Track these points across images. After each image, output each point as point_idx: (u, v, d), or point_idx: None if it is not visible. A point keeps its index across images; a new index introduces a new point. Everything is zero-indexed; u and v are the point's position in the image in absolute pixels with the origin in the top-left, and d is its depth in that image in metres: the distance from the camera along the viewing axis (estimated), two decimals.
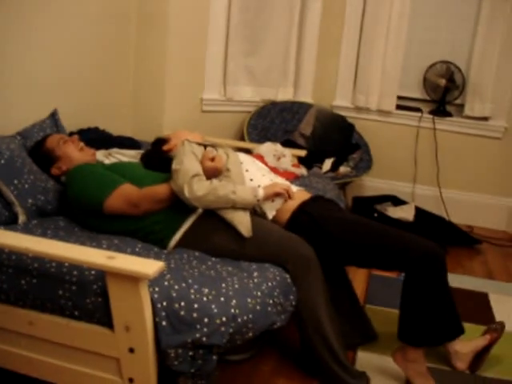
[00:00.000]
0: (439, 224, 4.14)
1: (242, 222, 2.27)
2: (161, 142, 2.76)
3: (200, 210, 2.34)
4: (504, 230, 4.48)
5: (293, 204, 2.50)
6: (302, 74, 4.62)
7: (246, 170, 2.58)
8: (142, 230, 2.32)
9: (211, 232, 2.30)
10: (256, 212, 2.49)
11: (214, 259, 2.22)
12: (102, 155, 2.97)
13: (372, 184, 4.64)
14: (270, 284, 2.10)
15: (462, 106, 4.51)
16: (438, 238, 3.92)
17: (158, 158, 2.68)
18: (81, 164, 2.50)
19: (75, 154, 2.57)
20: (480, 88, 4.37)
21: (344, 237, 2.35)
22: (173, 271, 2.00)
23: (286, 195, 2.48)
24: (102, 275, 1.85)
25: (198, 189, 2.25)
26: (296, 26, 4.47)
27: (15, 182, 2.38)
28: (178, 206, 2.32)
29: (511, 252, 4.11)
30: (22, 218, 2.35)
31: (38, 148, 2.60)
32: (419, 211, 4.19)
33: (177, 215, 2.33)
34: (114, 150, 3.07)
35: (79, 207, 2.38)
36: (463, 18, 4.44)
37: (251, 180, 2.55)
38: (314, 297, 2.22)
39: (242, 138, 4.27)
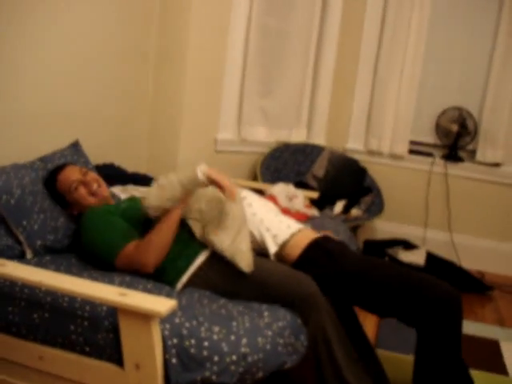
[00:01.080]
0: (450, 269, 4.12)
1: (243, 258, 2.26)
2: None
3: (206, 253, 2.33)
4: None
5: (304, 240, 2.47)
6: (315, 116, 4.66)
7: (250, 205, 2.58)
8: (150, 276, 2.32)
9: (213, 274, 2.29)
10: (259, 249, 2.47)
11: (224, 299, 2.22)
12: (118, 190, 2.99)
13: (383, 227, 4.64)
14: (280, 324, 2.09)
15: (474, 151, 4.53)
16: (449, 284, 3.92)
17: None
18: (94, 209, 2.47)
19: (86, 200, 2.50)
20: (492, 134, 4.40)
21: (360, 272, 2.32)
22: (184, 309, 2.00)
23: (226, 189, 2.27)
24: (114, 311, 1.86)
25: None
26: (311, 68, 4.53)
27: (24, 223, 2.35)
28: (181, 250, 2.33)
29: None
30: (29, 257, 2.35)
31: (50, 184, 2.55)
32: (430, 256, 4.17)
33: (182, 259, 2.32)
34: (130, 187, 3.10)
35: (93, 255, 2.38)
36: (476, 64, 4.50)
37: (254, 214, 2.55)
38: (326, 333, 2.17)
39: (255, 179, 4.30)
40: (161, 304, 1.75)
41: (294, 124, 4.59)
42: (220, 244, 2.27)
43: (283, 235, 2.49)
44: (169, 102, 3.95)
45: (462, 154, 4.56)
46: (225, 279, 2.27)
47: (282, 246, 2.47)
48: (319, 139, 4.66)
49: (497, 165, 4.45)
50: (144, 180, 3.39)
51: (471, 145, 4.52)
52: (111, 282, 2.13)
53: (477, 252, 4.50)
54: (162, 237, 2.27)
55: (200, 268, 2.30)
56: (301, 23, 4.40)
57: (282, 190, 3.61)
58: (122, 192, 3.01)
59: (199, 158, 4.04)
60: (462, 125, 4.44)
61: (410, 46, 4.40)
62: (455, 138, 4.48)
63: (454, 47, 4.57)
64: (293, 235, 2.49)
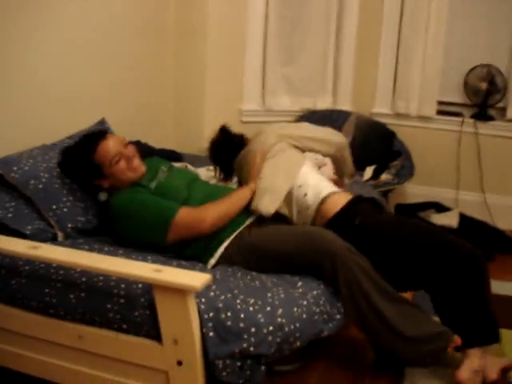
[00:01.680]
0: (484, 230, 4.07)
1: (271, 199, 2.43)
2: (228, 132, 2.88)
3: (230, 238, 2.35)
4: None
5: (342, 199, 2.49)
6: (340, 83, 4.59)
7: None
8: (183, 255, 2.33)
9: (238, 256, 2.31)
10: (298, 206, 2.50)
11: (256, 272, 2.22)
12: None
13: (414, 191, 4.58)
14: (315, 293, 2.09)
15: (504, 109, 4.42)
16: (483, 245, 3.87)
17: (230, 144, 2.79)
18: (125, 194, 2.35)
19: (125, 175, 2.38)
20: None
21: (389, 233, 2.35)
22: (218, 282, 2.01)
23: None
24: (149, 288, 1.86)
25: None
26: (333, 35, 4.45)
27: (53, 206, 2.36)
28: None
29: None
30: (61, 239, 2.36)
31: (85, 153, 2.36)
32: (463, 218, 4.12)
33: (214, 239, 2.34)
34: None
35: (133, 242, 2.33)
36: (502, 20, 4.37)
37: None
38: (361, 287, 2.14)
39: None
40: (196, 278, 1.75)
41: (319, 91, 4.53)
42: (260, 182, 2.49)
43: (324, 191, 2.52)
44: (191, 76, 3.93)
45: (491, 112, 4.45)
46: (249, 261, 2.28)
47: (321, 203, 2.48)
48: (345, 105, 4.60)
49: None
50: (172, 156, 3.39)
51: (501, 102, 4.40)
52: (145, 259, 2.14)
53: (510, 211, 4.43)
54: (230, 206, 2.34)
55: (226, 249, 2.31)
56: None
57: (310, 157, 3.57)
58: None
59: None
60: (491, 82, 4.33)
61: (433, 4, 4.28)
62: (484, 97, 4.37)
63: (480, 3, 4.44)
64: (332, 193, 2.52)
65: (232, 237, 2.33)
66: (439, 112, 4.49)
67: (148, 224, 2.26)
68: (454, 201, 4.48)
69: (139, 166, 2.43)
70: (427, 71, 4.40)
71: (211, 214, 2.28)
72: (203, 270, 2.17)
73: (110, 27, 3.24)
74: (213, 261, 2.30)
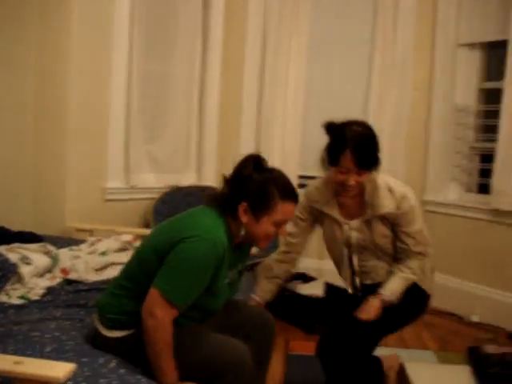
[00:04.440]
0: (349, 297, 4.18)
1: None
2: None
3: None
4: None
5: None
6: (204, 158, 4.66)
7: None
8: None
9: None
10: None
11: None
12: (3, 250, 2.82)
13: None
14: None
15: None
16: (350, 311, 3.98)
17: None
18: (215, 245, 1.93)
19: (263, 242, 2.10)
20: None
21: None
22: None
23: None
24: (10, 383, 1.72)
25: None
26: (196, 112, 4.55)
27: None
28: None
29: (421, 319, 4.20)
30: None
31: (267, 186, 2.03)
32: (329, 286, 4.23)
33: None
34: (16, 245, 2.93)
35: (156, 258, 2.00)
36: (356, 96, 4.69)
37: None
38: None
39: (147, 226, 4.21)
40: (59, 369, 1.64)
41: (184, 168, 4.57)
42: None
43: None
44: (52, 154, 3.82)
45: None
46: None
47: None
48: (209, 181, 4.65)
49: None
50: (30, 238, 3.23)
51: None
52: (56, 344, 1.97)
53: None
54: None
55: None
56: (182, 66, 4.43)
57: None
58: (9, 252, 2.84)
59: (88, 208, 3.92)
60: None
61: (290, 83, 4.52)
62: None
63: (333, 82, 4.74)
64: None
65: None
66: (300, 185, 4.64)
67: (178, 281, 1.94)
68: (318, 271, 4.60)
69: (266, 245, 2.14)
70: (287, 147, 4.58)
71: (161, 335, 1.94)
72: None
73: None
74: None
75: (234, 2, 4.65)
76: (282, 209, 2.03)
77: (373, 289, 2.61)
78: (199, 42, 4.54)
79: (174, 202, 4.36)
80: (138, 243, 3.34)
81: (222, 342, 2.08)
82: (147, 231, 3.88)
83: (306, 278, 4.34)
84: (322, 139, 4.69)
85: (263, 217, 2.03)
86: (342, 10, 4.73)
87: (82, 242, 3.41)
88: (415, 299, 2.63)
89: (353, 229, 2.57)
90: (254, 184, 2.03)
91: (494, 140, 4.18)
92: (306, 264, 4.60)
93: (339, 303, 3.99)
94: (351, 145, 2.32)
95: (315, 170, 4.66)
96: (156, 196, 4.33)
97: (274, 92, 4.57)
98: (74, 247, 3.27)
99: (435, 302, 4.50)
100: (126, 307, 2.06)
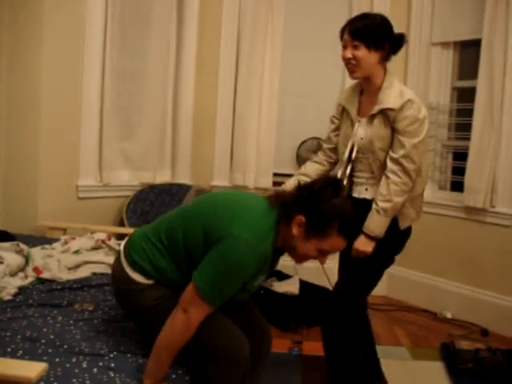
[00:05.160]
0: (324, 295, 4.20)
1: None
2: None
3: None
4: (385, 295, 4.63)
5: None
6: (178, 156, 4.65)
7: None
8: None
9: None
10: None
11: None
12: None
13: None
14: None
15: None
16: (323, 309, 3.99)
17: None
18: (255, 250, 1.92)
19: (301, 259, 2.08)
20: None
21: None
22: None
23: None
24: None
25: None
26: (170, 110, 4.53)
27: None
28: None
29: (394, 316, 4.24)
30: None
31: (329, 208, 1.99)
32: (304, 284, 4.24)
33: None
34: None
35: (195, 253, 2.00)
36: (329, 95, 4.69)
37: None
38: None
39: (121, 224, 4.18)
40: (31, 369, 1.62)
41: (158, 165, 4.54)
42: None
43: None
44: (24, 153, 3.78)
45: None
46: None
47: None
48: (184, 179, 4.64)
49: None
50: (3, 237, 3.18)
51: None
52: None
53: None
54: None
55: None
56: (157, 64, 4.40)
57: None
58: None
59: (61, 206, 3.88)
60: None
61: (265, 83, 4.53)
62: None
63: (307, 82, 4.75)
64: None
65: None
66: (275, 183, 4.66)
67: (217, 282, 1.92)
68: (293, 268, 4.60)
69: (301, 263, 2.16)
70: (262, 145, 4.58)
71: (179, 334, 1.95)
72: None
73: None
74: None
75: (208, 0, 4.63)
76: (334, 241, 2.01)
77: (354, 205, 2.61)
78: (173, 40, 4.52)
79: (148, 200, 4.34)
80: (112, 242, 3.31)
81: (228, 326, 2.09)
82: (121, 229, 3.86)
83: (281, 276, 4.35)
84: (296, 137, 4.73)
85: (314, 239, 2.01)
86: (316, 9, 4.73)
87: (55, 240, 3.37)
88: (389, 236, 2.59)
89: (361, 125, 2.64)
90: (322, 207, 2.00)
91: (467, 138, 4.23)
92: (281, 261, 4.61)
93: (314, 301, 4.01)
94: (350, 19, 2.62)
95: (290, 167, 4.71)
96: (130, 194, 4.30)
97: (249, 90, 4.57)
98: (47, 246, 3.23)
99: (408, 299, 4.55)
100: (154, 259, 2.06)
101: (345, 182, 2.66)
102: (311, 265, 4.60)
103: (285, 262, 4.54)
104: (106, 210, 4.24)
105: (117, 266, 2.16)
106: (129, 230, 3.69)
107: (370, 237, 2.54)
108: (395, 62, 4.57)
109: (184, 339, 1.94)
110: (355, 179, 2.71)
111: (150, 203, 4.34)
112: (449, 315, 4.24)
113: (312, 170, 2.87)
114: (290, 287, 4.13)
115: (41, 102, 3.72)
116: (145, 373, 1.94)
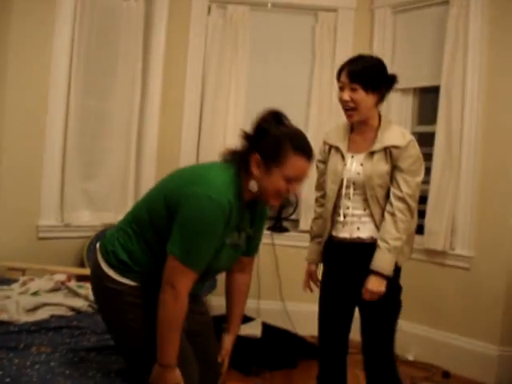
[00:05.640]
0: (287, 338, 4.18)
1: None
2: None
3: None
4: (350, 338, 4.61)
5: None
6: (141, 197, 4.61)
7: None
8: None
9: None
10: None
11: None
12: None
13: (218, 303, 4.60)
14: None
15: (297, 221, 4.72)
16: (286, 352, 3.97)
17: None
18: (219, 199, 1.92)
19: (267, 192, 2.03)
20: (312, 204, 4.60)
21: None
22: None
23: None
24: None
25: None
26: (134, 150, 4.52)
27: None
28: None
29: (356, 359, 4.22)
30: None
31: (278, 137, 2.03)
32: (266, 326, 4.21)
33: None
34: None
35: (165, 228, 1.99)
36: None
37: None
38: None
39: (82, 265, 4.11)
40: None
41: (120, 205, 4.50)
42: None
43: None
44: None
45: (286, 224, 4.72)
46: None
47: None
48: None
49: None
50: None
51: (294, 215, 4.70)
52: None
53: (309, 318, 4.60)
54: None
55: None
56: (121, 103, 4.41)
57: None
58: None
59: (20, 246, 3.81)
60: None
61: (229, 122, 4.59)
62: (279, 210, 4.64)
63: None
64: None
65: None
66: None
67: (189, 244, 1.93)
68: (256, 310, 4.58)
69: (277, 203, 2.09)
70: None
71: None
72: None
73: None
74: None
75: (174, 40, 4.67)
76: (294, 162, 1.99)
77: (343, 247, 2.64)
78: (139, 79, 4.53)
79: None
80: (72, 283, 3.26)
81: (185, 353, 2.06)
82: (81, 270, 3.80)
83: (243, 319, 4.30)
84: None
85: (274, 169, 1.99)
86: (281, 52, 4.81)
87: (14, 281, 3.29)
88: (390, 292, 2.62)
89: (355, 161, 2.60)
90: (269, 136, 2.02)
91: (426, 182, 4.30)
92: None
93: (276, 343, 3.98)
94: (347, 61, 2.57)
95: None
96: (91, 234, 4.24)
97: (213, 130, 4.60)
98: (5, 287, 3.15)
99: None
100: (125, 243, 2.08)
101: (342, 219, 2.62)
102: (274, 307, 4.62)
103: (247, 305, 4.52)
104: (67, 251, 4.17)
105: (93, 263, 2.17)
106: (89, 272, 3.63)
107: (381, 276, 2.52)
108: None
109: (181, 312, 1.94)
110: (340, 218, 2.64)
111: None
112: (410, 357, 4.25)
113: (319, 226, 2.82)
114: (253, 330, 4.10)
115: (2, 140, 3.69)
116: (158, 357, 1.93)
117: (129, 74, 4.44)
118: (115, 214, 4.44)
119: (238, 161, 2.06)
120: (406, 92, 4.61)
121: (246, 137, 2.09)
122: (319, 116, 4.67)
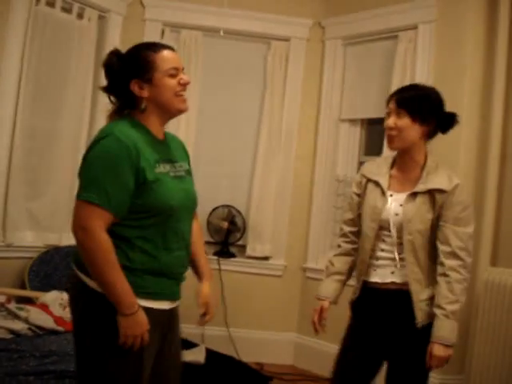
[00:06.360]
0: (231, 364, 4.16)
1: None
2: None
3: None
4: (292, 364, 4.64)
5: None
6: None
7: None
8: None
9: None
10: None
11: None
12: None
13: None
14: None
15: (243, 246, 4.73)
16: (229, 379, 3.95)
17: None
18: (123, 131, 1.94)
19: (168, 98, 2.01)
20: (259, 229, 4.64)
21: None
22: None
23: None
24: None
25: None
26: None
27: None
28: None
29: None
30: None
31: (143, 48, 2.03)
32: (210, 353, 4.18)
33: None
34: None
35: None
36: (242, 165, 4.79)
37: None
38: None
39: (23, 286, 4.01)
40: None
41: (65, 227, 4.41)
42: None
43: None
44: None
45: (233, 249, 4.73)
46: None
47: None
48: None
49: (266, 258, 4.69)
50: None
51: (241, 240, 4.71)
52: None
53: (254, 344, 4.61)
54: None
55: None
56: (70, 122, 4.36)
57: (55, 297, 3.42)
58: None
59: None
60: (232, 222, 4.63)
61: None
62: (226, 235, 4.65)
63: (221, 150, 4.82)
64: None
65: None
66: None
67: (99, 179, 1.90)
68: (200, 336, 4.54)
69: (184, 105, 2.09)
70: None
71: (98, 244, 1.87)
72: None
73: None
74: None
75: None
76: (162, 58, 1.99)
77: (373, 292, 2.47)
78: (88, 99, 4.47)
79: (52, 263, 4.20)
80: (11, 305, 3.18)
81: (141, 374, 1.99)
82: (22, 292, 3.71)
83: (187, 344, 4.26)
84: (208, 205, 4.75)
85: (155, 76, 1.98)
86: (232, 80, 4.86)
87: None
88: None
89: (394, 201, 2.39)
90: (124, 64, 2.02)
91: None
92: (187, 330, 4.54)
93: (220, 370, 3.95)
94: (399, 88, 2.50)
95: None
96: (34, 255, 4.15)
97: None
98: None
99: (314, 368, 4.55)
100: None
101: (378, 262, 2.43)
102: (218, 333, 4.60)
103: (191, 331, 4.50)
104: (7, 272, 4.05)
105: (70, 272, 2.10)
106: (30, 293, 3.56)
107: (446, 346, 2.28)
108: (305, 136, 4.77)
109: (104, 246, 1.85)
110: (373, 260, 2.45)
111: (54, 266, 4.19)
112: None
113: (342, 263, 2.59)
114: (196, 356, 4.06)
115: None
116: (118, 308, 1.87)
117: (79, 93, 4.40)
118: (59, 235, 4.36)
119: (123, 107, 2.08)
120: (354, 123, 4.71)
121: (109, 90, 2.13)
122: (269, 143, 4.72)
